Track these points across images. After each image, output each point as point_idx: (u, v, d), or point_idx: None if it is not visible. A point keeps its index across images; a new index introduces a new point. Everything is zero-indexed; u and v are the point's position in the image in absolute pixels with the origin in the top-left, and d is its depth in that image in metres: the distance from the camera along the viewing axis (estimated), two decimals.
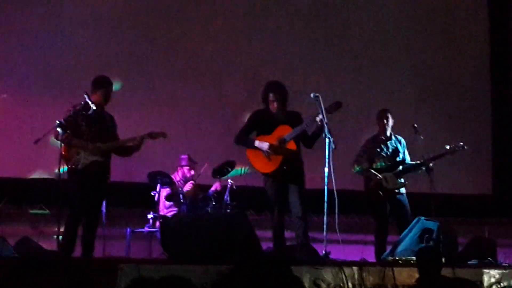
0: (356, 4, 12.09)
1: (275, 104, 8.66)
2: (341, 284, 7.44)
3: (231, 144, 11.21)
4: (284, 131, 8.59)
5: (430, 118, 11.70)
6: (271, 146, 8.52)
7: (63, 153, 8.33)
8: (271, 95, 8.70)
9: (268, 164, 8.58)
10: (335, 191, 8.24)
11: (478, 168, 12.00)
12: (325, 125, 8.36)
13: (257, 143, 8.59)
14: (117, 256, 9.12)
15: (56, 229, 8.34)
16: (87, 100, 8.45)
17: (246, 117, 10.24)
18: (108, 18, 11.23)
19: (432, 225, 8.66)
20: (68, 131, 8.29)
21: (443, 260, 7.98)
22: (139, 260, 7.83)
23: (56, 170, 8.37)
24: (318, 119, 8.42)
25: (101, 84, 8.63)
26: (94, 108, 8.45)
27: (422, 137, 9.67)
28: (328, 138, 8.29)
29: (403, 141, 9.77)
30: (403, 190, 9.64)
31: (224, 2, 11.73)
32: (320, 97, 8.52)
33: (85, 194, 8.38)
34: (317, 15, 11.90)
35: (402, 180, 9.63)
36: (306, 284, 7.23)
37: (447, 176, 10.78)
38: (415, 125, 9.71)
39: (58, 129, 8.25)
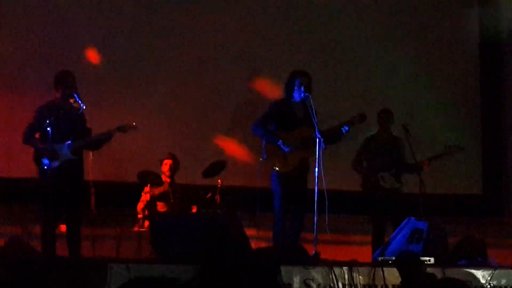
0: (350, 6, 12.08)
1: (302, 89, 8.59)
2: (331, 284, 7.44)
3: (221, 143, 11.27)
4: (305, 132, 8.55)
5: (421, 119, 11.71)
6: (292, 149, 8.50)
7: (37, 155, 8.42)
8: (298, 79, 8.64)
9: (284, 164, 8.56)
10: (325, 191, 8.24)
11: (468, 168, 12.01)
12: (315, 125, 8.37)
13: (280, 142, 8.54)
14: (107, 255, 9.09)
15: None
16: (78, 99, 8.44)
17: (238, 116, 10.28)
18: (100, 16, 11.19)
19: (422, 225, 8.67)
20: (33, 135, 8.37)
21: (433, 260, 8.02)
22: (129, 260, 7.81)
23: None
24: (343, 130, 8.44)
25: (62, 80, 8.60)
26: (84, 107, 8.45)
27: (412, 137, 9.71)
28: (318, 138, 8.30)
29: (404, 141, 9.78)
30: (402, 190, 9.66)
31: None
32: (310, 97, 8.53)
33: (59, 194, 8.36)
34: (316, 17, 11.89)
35: (400, 180, 9.64)
36: (296, 284, 7.23)
37: (437, 176, 10.79)
38: (405, 125, 9.74)
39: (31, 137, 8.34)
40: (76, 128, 8.58)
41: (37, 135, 8.54)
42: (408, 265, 7.00)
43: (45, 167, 8.37)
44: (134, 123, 8.83)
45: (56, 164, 8.37)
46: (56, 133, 8.42)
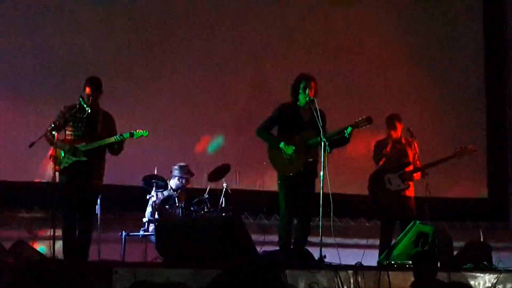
0: (354, 5, 12.09)
1: (307, 92, 8.60)
2: None
3: (226, 148, 11.28)
4: (309, 135, 8.53)
5: (426, 123, 11.70)
6: (295, 151, 8.48)
7: (51, 154, 8.42)
8: (303, 82, 8.65)
9: (287, 167, 8.54)
10: (330, 195, 8.23)
11: (474, 172, 12.00)
12: (320, 129, 8.36)
13: (282, 145, 8.54)
14: (112, 259, 9.09)
15: (51, 233, 8.32)
16: (82, 103, 8.46)
17: (243, 120, 10.26)
18: (108, 19, 11.20)
19: (428, 229, 8.65)
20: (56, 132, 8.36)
21: (438, 264, 8.00)
22: (134, 264, 7.82)
23: (51, 173, 8.42)
24: (347, 132, 8.43)
25: (86, 82, 8.65)
26: (89, 111, 8.47)
27: (417, 141, 9.70)
28: (324, 141, 8.29)
29: (413, 144, 9.77)
30: (409, 193, 9.64)
31: (231, 4, 11.72)
32: (315, 100, 8.53)
33: (71, 195, 8.37)
34: (318, 18, 11.90)
35: (407, 183, 9.62)
36: None
37: (442, 180, 10.77)
38: (410, 129, 9.74)
39: (54, 132, 8.31)
40: (96, 131, 8.59)
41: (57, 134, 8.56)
42: (424, 266, 6.97)
43: (61, 165, 8.40)
44: (146, 131, 8.81)
45: (68, 162, 8.41)
46: (74, 134, 8.50)
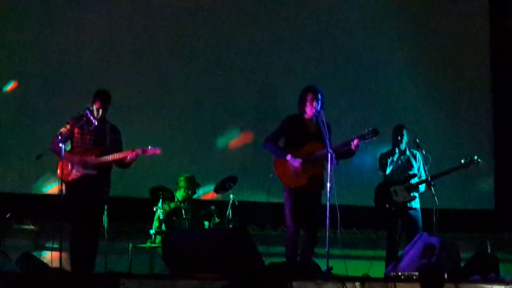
0: (357, 12, 12.10)
1: (314, 104, 8.62)
2: None
3: (232, 159, 11.29)
4: (315, 147, 8.54)
5: (432, 134, 11.70)
6: (302, 163, 8.48)
7: (60, 165, 8.40)
8: (310, 94, 8.66)
9: (294, 178, 8.54)
10: (337, 206, 8.23)
11: (481, 184, 11.98)
12: (327, 141, 8.37)
13: (289, 157, 8.54)
14: (118, 271, 9.09)
15: (58, 244, 8.31)
16: (89, 115, 8.46)
17: (250, 133, 10.25)
18: (113, 28, 11.26)
19: (435, 240, 8.64)
20: (61, 143, 8.34)
21: (446, 275, 7.98)
22: (141, 276, 7.81)
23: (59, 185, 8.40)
24: (353, 144, 8.43)
25: (94, 96, 8.64)
26: (96, 124, 8.47)
27: (424, 152, 9.69)
28: (330, 153, 8.30)
29: (419, 156, 9.77)
30: (416, 205, 9.62)
31: (232, 12, 11.74)
32: (322, 112, 8.54)
33: (79, 207, 8.37)
34: (322, 26, 11.92)
35: (414, 194, 9.61)
36: None
37: (449, 191, 10.76)
38: (417, 141, 9.73)
39: (60, 145, 8.28)
40: (104, 144, 8.59)
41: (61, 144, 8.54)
42: (432, 279, 6.95)
43: (69, 177, 8.38)
44: (159, 150, 8.77)
45: (77, 175, 8.41)
46: (82, 146, 8.50)
